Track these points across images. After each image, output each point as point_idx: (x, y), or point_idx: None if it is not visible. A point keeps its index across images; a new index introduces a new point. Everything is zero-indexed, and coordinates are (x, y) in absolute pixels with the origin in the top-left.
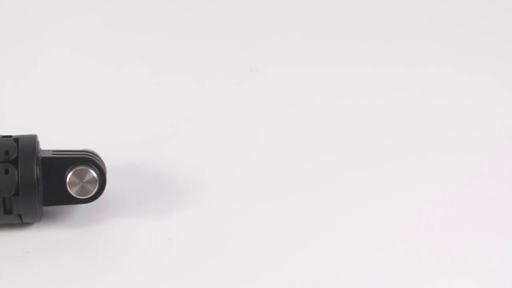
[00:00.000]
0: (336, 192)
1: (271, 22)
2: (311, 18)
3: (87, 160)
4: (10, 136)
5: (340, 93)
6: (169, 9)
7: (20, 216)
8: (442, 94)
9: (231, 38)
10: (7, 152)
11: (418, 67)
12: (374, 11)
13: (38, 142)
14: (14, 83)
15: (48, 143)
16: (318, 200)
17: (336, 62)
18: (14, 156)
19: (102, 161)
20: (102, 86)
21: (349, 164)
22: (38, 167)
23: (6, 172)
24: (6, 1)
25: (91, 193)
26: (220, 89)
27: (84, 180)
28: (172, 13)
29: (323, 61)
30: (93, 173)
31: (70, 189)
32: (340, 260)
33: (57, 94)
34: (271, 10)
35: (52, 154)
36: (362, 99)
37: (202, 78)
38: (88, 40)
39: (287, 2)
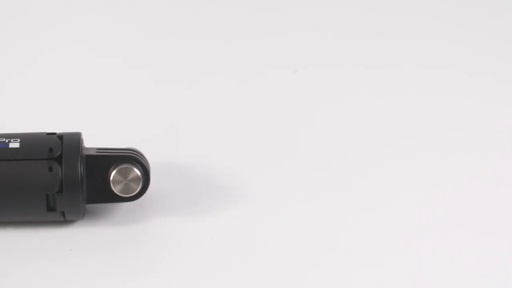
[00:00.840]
0: (374, 191)
1: (300, 21)
2: (340, 17)
3: (131, 158)
4: (54, 133)
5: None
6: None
7: (63, 213)
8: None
9: (267, 36)
10: (51, 150)
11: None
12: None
13: (82, 139)
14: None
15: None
16: (356, 200)
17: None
18: (58, 154)
19: (145, 159)
20: (134, 84)
21: (386, 161)
22: (82, 165)
23: (50, 169)
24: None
25: (134, 191)
26: (257, 88)
27: (128, 178)
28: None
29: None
30: (137, 171)
31: (114, 187)
32: (379, 258)
33: (92, 93)
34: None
35: (96, 152)
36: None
37: (236, 76)
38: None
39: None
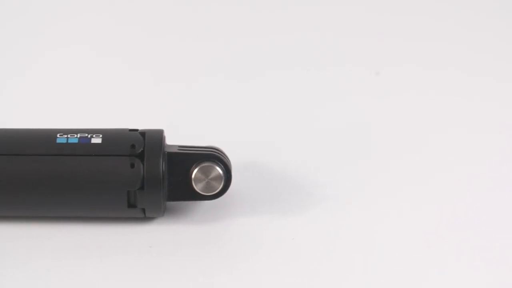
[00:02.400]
0: (450, 187)
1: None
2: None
3: (213, 157)
4: (136, 130)
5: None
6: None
7: (143, 210)
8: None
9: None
10: (133, 146)
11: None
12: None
13: (164, 136)
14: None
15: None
16: (438, 199)
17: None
18: (140, 150)
19: (227, 158)
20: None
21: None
22: (164, 162)
23: (132, 166)
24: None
25: (216, 190)
26: (339, 86)
27: (210, 177)
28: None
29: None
30: (219, 170)
31: (195, 185)
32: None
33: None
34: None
35: (178, 150)
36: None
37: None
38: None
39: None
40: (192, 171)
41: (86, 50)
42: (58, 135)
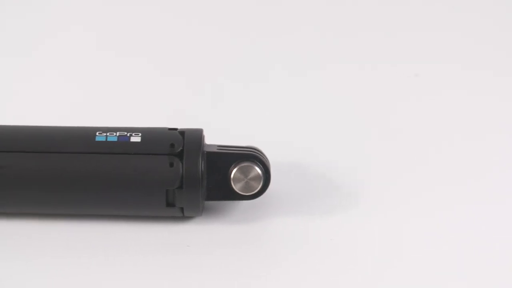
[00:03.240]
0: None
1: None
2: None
3: (252, 156)
4: (176, 129)
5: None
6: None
7: (182, 209)
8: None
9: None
10: (172, 145)
11: None
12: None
13: (203, 136)
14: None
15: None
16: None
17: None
18: (179, 149)
19: (266, 158)
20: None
21: None
22: (203, 161)
23: (171, 164)
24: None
25: (255, 190)
26: (385, 92)
27: (249, 177)
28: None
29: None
30: (258, 170)
31: (234, 185)
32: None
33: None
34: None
35: (218, 149)
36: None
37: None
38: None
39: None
40: (231, 171)
41: (121, 51)
42: (97, 133)
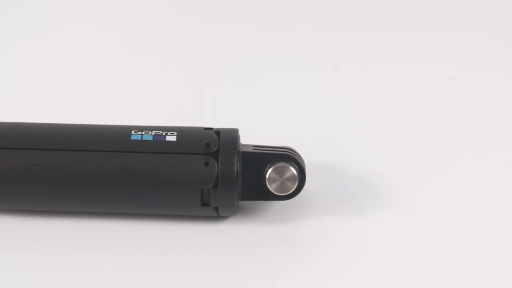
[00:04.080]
0: None
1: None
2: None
3: (288, 157)
4: (211, 129)
5: None
6: None
7: (216, 209)
8: None
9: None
10: (208, 145)
11: None
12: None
13: (239, 136)
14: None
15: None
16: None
17: None
18: (215, 149)
19: (301, 158)
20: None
21: None
22: (238, 161)
23: (206, 164)
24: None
25: (290, 190)
26: (412, 93)
27: (284, 177)
28: None
29: None
30: (293, 170)
31: (269, 185)
32: None
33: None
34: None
35: (253, 149)
36: None
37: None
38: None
39: None
40: (267, 171)
41: (150, 50)
42: (132, 132)
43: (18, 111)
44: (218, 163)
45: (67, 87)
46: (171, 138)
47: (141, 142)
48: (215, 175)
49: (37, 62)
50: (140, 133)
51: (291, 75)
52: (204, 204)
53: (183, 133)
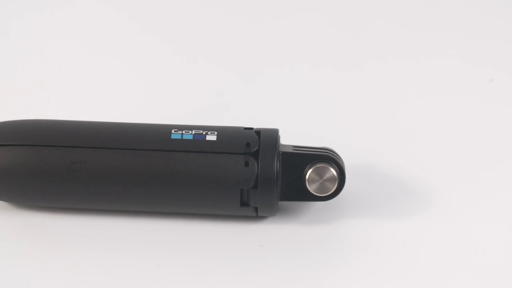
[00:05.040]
0: None
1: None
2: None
3: (328, 158)
4: (251, 129)
5: None
6: None
7: (256, 209)
8: None
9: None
10: (248, 144)
11: None
12: None
13: (279, 136)
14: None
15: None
16: None
17: None
18: (255, 149)
19: (341, 159)
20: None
21: None
22: (278, 162)
23: (246, 164)
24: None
25: (329, 191)
26: (453, 95)
27: (324, 178)
28: None
29: None
30: (333, 171)
31: (309, 185)
32: None
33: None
34: None
35: (293, 150)
36: None
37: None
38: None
39: None
40: (306, 172)
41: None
42: (172, 131)
43: (54, 109)
44: (258, 163)
45: (99, 84)
46: (212, 137)
47: (181, 141)
48: (255, 175)
49: (71, 61)
50: (180, 132)
51: (326, 75)
52: (244, 204)
53: (224, 132)
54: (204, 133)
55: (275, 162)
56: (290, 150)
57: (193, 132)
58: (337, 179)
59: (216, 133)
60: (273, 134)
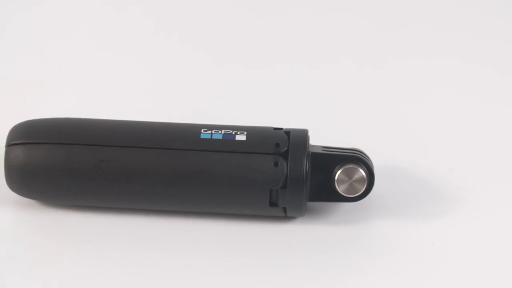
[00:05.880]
0: None
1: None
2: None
3: (357, 159)
4: (281, 129)
5: None
6: None
7: (284, 209)
8: None
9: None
10: (277, 145)
11: None
12: None
13: (308, 136)
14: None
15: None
16: None
17: None
18: (284, 149)
19: (370, 160)
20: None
21: None
22: (307, 162)
23: (276, 164)
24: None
25: (358, 192)
26: (483, 96)
27: (353, 179)
28: None
29: None
30: (362, 172)
31: (338, 186)
32: None
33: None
34: None
35: (322, 150)
36: None
37: None
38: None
39: None
40: (336, 172)
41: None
42: (202, 131)
43: (77, 107)
44: (287, 164)
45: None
46: (241, 137)
47: (211, 141)
48: (284, 176)
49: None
50: (210, 131)
51: (359, 75)
52: (272, 204)
53: (253, 132)
54: (233, 133)
55: (305, 163)
56: (320, 151)
57: (223, 132)
58: (366, 180)
59: (245, 133)
60: (302, 135)
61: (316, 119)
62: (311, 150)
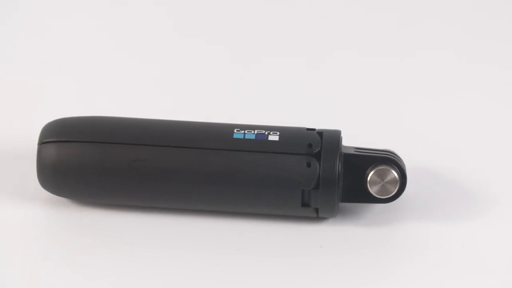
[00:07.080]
0: None
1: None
2: None
3: (390, 160)
4: (314, 129)
5: None
6: None
7: (316, 210)
8: None
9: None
10: (310, 145)
11: None
12: None
13: (341, 137)
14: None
15: None
16: None
17: None
18: (317, 150)
19: (402, 162)
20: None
21: None
22: (340, 163)
23: (308, 165)
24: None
25: (391, 193)
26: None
27: (385, 180)
28: None
29: None
30: (394, 173)
31: (370, 187)
32: None
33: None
34: None
35: (355, 151)
36: None
37: None
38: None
39: None
40: (368, 174)
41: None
42: (235, 131)
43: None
44: (320, 164)
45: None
46: (274, 137)
47: (244, 141)
48: (316, 176)
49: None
50: (243, 131)
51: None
52: (305, 204)
53: (286, 133)
54: (266, 133)
55: (337, 164)
56: (352, 152)
57: (255, 132)
58: (399, 182)
59: (278, 133)
60: (335, 135)
61: (344, 120)
62: (344, 151)
